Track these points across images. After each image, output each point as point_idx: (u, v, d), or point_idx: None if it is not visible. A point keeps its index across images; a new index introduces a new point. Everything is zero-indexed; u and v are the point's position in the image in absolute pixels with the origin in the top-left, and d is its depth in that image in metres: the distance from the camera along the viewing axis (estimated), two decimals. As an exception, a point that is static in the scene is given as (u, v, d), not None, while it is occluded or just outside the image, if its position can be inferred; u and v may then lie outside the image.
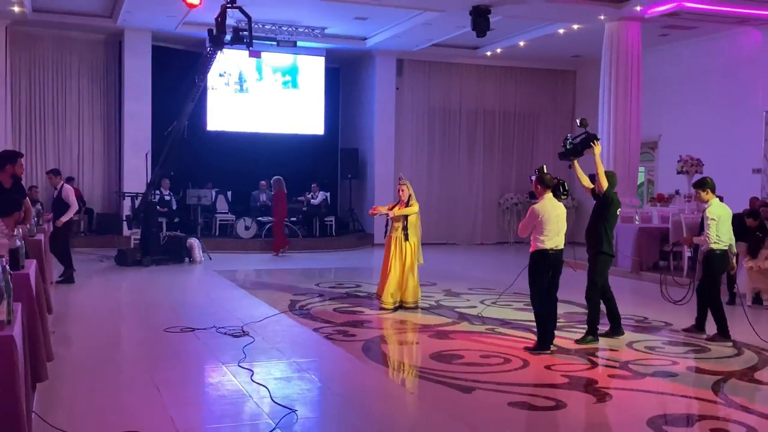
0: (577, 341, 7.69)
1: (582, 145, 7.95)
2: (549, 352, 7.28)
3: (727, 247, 7.97)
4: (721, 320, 8.01)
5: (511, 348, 7.51)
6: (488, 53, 18.84)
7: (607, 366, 6.94)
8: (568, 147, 8.05)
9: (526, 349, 7.40)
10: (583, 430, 5.39)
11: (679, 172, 14.93)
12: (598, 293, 7.82)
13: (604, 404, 5.86)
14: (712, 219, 7.87)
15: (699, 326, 8.30)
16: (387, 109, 19.12)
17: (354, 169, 19.42)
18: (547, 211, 7.25)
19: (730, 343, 7.86)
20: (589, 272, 7.88)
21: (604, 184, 7.72)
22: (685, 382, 6.52)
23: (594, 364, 6.98)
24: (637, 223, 14.18)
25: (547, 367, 6.81)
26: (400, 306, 9.54)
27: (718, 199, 8.17)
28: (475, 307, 9.93)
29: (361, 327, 8.50)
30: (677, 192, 15.37)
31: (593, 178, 7.91)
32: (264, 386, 5.93)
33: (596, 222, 7.79)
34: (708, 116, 16.37)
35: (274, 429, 4.97)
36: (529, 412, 5.63)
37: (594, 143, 7.79)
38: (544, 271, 7.34)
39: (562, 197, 7.52)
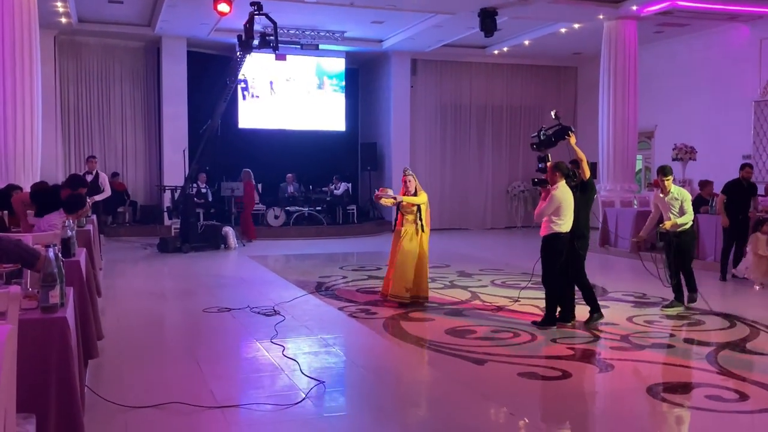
0: (585, 323, 7.38)
1: (556, 136, 7.62)
2: (555, 326, 7.25)
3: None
4: (693, 283, 8.24)
5: (520, 324, 7.49)
6: (495, 52, 18.69)
7: (608, 339, 6.89)
8: (542, 138, 7.66)
9: (534, 323, 7.37)
10: (588, 398, 5.37)
11: (674, 159, 14.81)
12: (585, 274, 7.52)
13: (606, 374, 5.84)
14: (689, 199, 8.07)
15: (679, 297, 8.23)
16: (402, 105, 19.06)
17: (373, 162, 19.40)
18: (565, 197, 7.16)
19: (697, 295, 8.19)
20: (578, 257, 7.48)
21: (587, 171, 7.45)
22: (682, 352, 6.48)
23: (596, 338, 6.94)
24: (635, 206, 14.06)
25: (553, 341, 6.79)
26: (415, 301, 8.44)
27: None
28: (486, 286, 9.91)
29: (381, 306, 8.48)
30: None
31: (576, 164, 7.55)
32: (294, 360, 5.96)
33: (578, 208, 7.37)
34: (700, 107, 16.16)
35: (304, 399, 4.99)
36: (537, 382, 5.62)
37: (569, 134, 7.53)
38: (560, 252, 7.24)
39: (572, 183, 7.42)
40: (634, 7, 13.92)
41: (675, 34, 16.34)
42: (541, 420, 4.89)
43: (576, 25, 15.44)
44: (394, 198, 8.61)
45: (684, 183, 14.87)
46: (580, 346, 6.59)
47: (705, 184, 11.69)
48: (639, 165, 17.77)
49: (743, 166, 10.59)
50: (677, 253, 8.15)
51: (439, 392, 5.39)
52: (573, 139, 7.56)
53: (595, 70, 15.72)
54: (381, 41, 18.04)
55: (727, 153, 14.92)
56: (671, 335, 7.05)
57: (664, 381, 5.64)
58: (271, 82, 18.49)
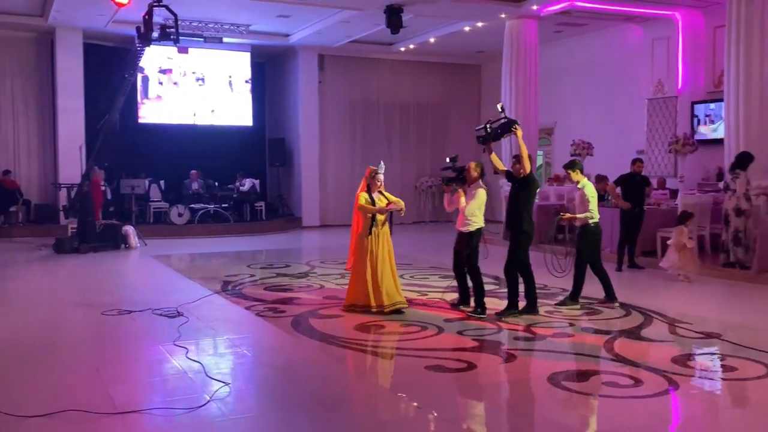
0: (498, 314, 7.56)
1: (502, 130, 7.70)
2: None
3: (598, 221, 8.08)
4: (608, 285, 8.16)
5: (427, 318, 7.58)
6: (402, 49, 18.86)
7: (512, 330, 7.08)
8: (488, 131, 7.70)
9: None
10: (492, 389, 5.50)
11: (572, 155, 15.32)
12: (519, 270, 7.66)
13: (510, 364, 5.99)
14: (592, 196, 8.00)
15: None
16: (310, 101, 18.95)
17: (281, 158, 19.22)
18: (485, 195, 7.71)
19: (617, 304, 8.05)
20: (512, 250, 7.68)
21: (528, 166, 7.53)
22: (581, 341, 6.73)
23: (500, 329, 7.11)
24: (536, 201, 14.48)
25: (460, 333, 6.91)
26: (397, 310, 7.70)
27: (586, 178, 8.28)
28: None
29: (290, 304, 8.42)
30: (571, 172, 15.77)
31: (518, 159, 7.58)
32: (198, 362, 5.81)
33: (517, 202, 7.60)
34: (598, 104, 16.83)
35: (208, 402, 4.88)
36: (444, 374, 5.71)
37: (516, 128, 7.61)
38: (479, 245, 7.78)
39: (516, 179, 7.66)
40: (535, 7, 14.33)
41: (574, 34, 16.95)
42: (447, 412, 4.97)
43: (479, 24, 15.76)
44: (401, 209, 8.23)
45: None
46: (484, 338, 6.75)
47: (600, 179, 12.16)
48: (540, 161, 18.35)
49: (634, 161, 11.15)
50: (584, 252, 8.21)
51: (349, 388, 5.39)
52: (519, 132, 7.61)
53: (498, 67, 16.10)
54: (287, 36, 17.86)
55: (624, 149, 15.60)
56: (571, 324, 7.31)
57: (565, 369, 5.83)
58: (161, 73, 17.97)
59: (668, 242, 9.96)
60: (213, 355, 6.21)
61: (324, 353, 6.45)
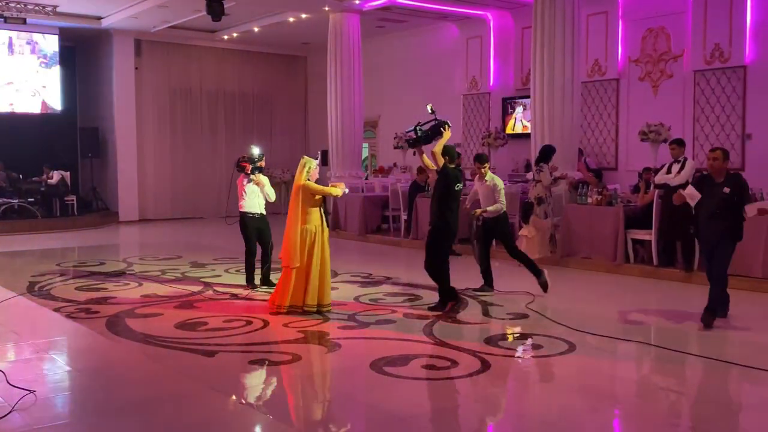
0: (430, 308, 7.55)
1: (433, 132, 7.62)
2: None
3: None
4: (533, 266, 8.41)
5: (253, 311, 7.50)
6: (225, 37, 18.41)
7: (337, 319, 7.18)
8: (419, 134, 7.61)
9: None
10: (316, 379, 5.56)
11: (395, 147, 15.81)
12: (439, 264, 7.59)
13: (334, 353, 6.09)
14: (502, 189, 8.33)
15: (488, 282, 8.51)
16: (126, 88, 17.96)
17: (95, 148, 18.06)
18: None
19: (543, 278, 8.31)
20: (428, 245, 7.60)
21: (440, 160, 7.52)
22: (402, 327, 6.96)
23: (326, 318, 7.19)
24: (362, 192, 14.79)
25: (285, 325, 6.90)
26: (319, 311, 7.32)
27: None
28: (220, 275, 9.76)
29: (105, 304, 7.95)
30: (395, 164, 16.29)
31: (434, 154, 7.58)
32: (-1, 371, 5.34)
33: (435, 197, 7.63)
34: (418, 99, 17.36)
35: (10, 412, 4.51)
36: (268, 368, 5.68)
37: (444, 129, 7.55)
38: None
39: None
40: (357, 1, 14.56)
41: (395, 30, 17.42)
42: (270, 406, 4.95)
43: (303, 15, 15.74)
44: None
45: (405, 170, 16.00)
46: (310, 329, 6.78)
47: (421, 171, 12.66)
48: (365, 152, 18.71)
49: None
50: (494, 239, 8.56)
51: (167, 389, 5.20)
52: (447, 134, 7.53)
53: (324, 60, 16.19)
54: (100, 18, 16.81)
55: (441, 141, 16.33)
56: (393, 311, 7.54)
57: (386, 355, 6.00)
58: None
59: (520, 233, 10.41)
60: (17, 361, 5.74)
61: (141, 354, 6.16)
